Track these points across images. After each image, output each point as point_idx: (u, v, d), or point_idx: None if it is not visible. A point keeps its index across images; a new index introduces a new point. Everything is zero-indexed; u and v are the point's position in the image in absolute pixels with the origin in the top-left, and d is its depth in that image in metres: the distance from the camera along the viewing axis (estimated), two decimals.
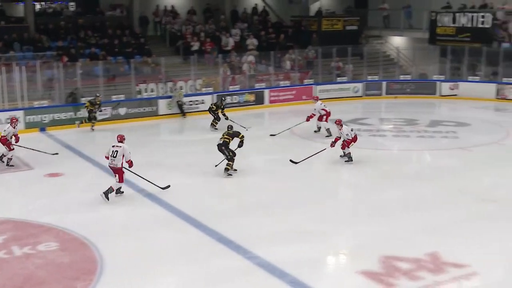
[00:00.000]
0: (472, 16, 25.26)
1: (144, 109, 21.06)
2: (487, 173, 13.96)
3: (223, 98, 20.12)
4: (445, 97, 25.02)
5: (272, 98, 23.68)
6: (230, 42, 26.52)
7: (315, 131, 17.84)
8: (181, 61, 24.51)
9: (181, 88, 22.13)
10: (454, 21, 25.89)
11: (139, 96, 21.58)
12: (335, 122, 14.81)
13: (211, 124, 19.19)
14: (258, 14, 30.18)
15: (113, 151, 11.95)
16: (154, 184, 12.41)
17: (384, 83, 25.49)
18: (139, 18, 27.27)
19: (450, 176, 13.65)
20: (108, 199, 11.74)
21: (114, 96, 20.75)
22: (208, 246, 9.68)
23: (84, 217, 11.08)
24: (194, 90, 22.81)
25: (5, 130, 14.73)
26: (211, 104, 19.97)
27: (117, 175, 11.95)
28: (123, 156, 11.88)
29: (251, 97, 23.22)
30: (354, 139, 14.53)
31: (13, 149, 14.67)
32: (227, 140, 13.66)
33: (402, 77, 26.08)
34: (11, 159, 14.72)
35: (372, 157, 15.21)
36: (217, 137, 14.15)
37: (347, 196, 12.80)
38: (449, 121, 20.01)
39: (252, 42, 26.68)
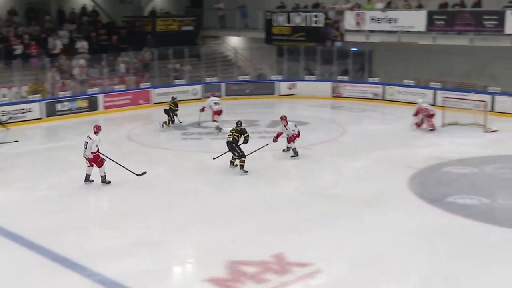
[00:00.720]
0: (306, 16, 26.52)
1: None
2: (326, 170, 14.72)
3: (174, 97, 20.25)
4: (284, 97, 26.02)
5: (107, 104, 23.14)
6: (57, 44, 25.50)
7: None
8: (3, 66, 23.15)
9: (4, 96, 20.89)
10: (288, 20, 27.00)
11: None
12: (280, 118, 15.60)
13: (165, 122, 19.42)
14: (88, 14, 29.34)
15: (85, 141, 12.96)
16: (131, 172, 13.30)
17: (223, 84, 25.95)
18: None
19: (292, 175, 14.21)
20: (109, 182, 13.07)
21: None
22: (42, 268, 9.22)
23: None
24: (19, 98, 21.63)
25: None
26: (170, 104, 19.91)
27: (93, 163, 12.95)
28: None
29: (84, 103, 22.51)
30: (298, 134, 15.53)
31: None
32: (237, 137, 14.07)
33: (240, 77, 26.75)
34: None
35: (213, 160, 15.40)
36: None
37: (190, 203, 12.82)
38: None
39: (82, 44, 25.87)
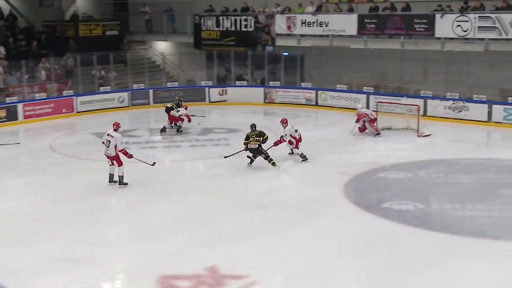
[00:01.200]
0: (235, 20, 26.62)
1: None
2: (261, 179, 14.76)
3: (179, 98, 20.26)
4: (215, 103, 25.99)
5: (27, 113, 22.46)
6: None
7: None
8: None
9: None
10: (218, 24, 27.04)
11: None
12: (281, 121, 16.10)
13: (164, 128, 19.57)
14: (4, 18, 28.48)
15: (106, 139, 13.44)
16: (144, 162, 14.29)
17: (151, 91, 25.67)
18: None
19: (225, 185, 14.17)
20: (126, 183, 13.66)
21: None
22: None
23: None
24: None
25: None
26: (173, 104, 20.07)
27: (114, 161, 13.50)
28: (115, 146, 13.35)
29: (2, 113, 21.79)
30: (300, 139, 16.20)
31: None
32: (259, 141, 15.21)
33: (169, 84, 26.55)
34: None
35: (143, 171, 15.20)
36: None
37: (118, 215, 12.61)
38: (220, 128, 20.83)
39: None
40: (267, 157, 15.26)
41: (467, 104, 21.38)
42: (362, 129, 19.24)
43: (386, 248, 10.22)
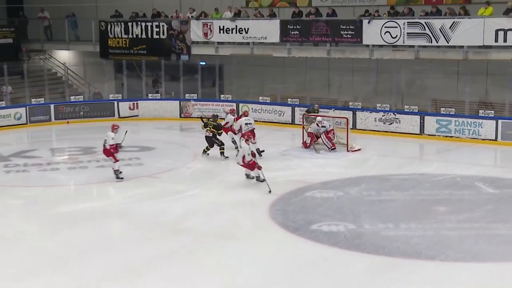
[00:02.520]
0: (146, 26, 26.50)
1: None
2: (176, 202, 14.68)
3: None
4: (125, 119, 25.68)
5: None
6: None
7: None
8: None
9: None
10: (126, 31, 26.85)
11: None
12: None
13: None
14: None
15: (104, 139, 16.18)
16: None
17: (52, 106, 25.16)
18: None
19: (136, 209, 14.00)
20: (122, 178, 16.27)
21: None
22: None
23: None
24: None
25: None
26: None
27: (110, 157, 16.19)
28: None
29: None
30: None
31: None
32: (214, 132, 18.46)
33: (73, 98, 26.09)
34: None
35: (43, 197, 14.87)
36: None
37: (10, 247, 12.17)
38: (132, 146, 20.58)
39: None
40: (222, 145, 18.42)
41: (398, 115, 22.01)
42: (308, 145, 19.49)
43: (316, 274, 10.34)
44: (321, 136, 19.39)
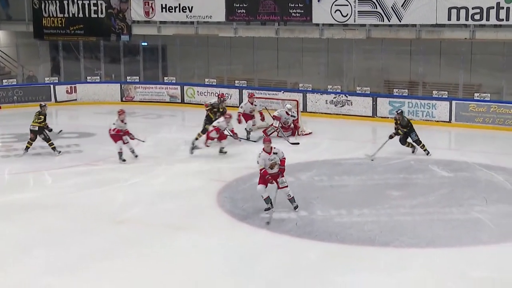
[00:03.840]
0: (83, 4, 26.12)
1: None
2: (118, 190, 14.55)
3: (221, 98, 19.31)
4: (62, 103, 25.35)
5: None
6: None
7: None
8: None
9: None
10: (62, 10, 26.44)
11: None
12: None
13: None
14: None
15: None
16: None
17: None
18: None
19: (75, 199, 13.82)
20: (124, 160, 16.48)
21: None
22: None
23: None
24: None
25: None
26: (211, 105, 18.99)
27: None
28: None
29: None
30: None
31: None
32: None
33: (5, 81, 25.58)
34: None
35: None
36: None
37: None
38: (70, 132, 20.32)
39: None
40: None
41: (350, 97, 22.24)
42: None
43: (267, 263, 10.39)
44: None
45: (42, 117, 17.45)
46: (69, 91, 25.76)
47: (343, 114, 22.14)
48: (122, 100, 25.67)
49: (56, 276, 9.93)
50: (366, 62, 23.93)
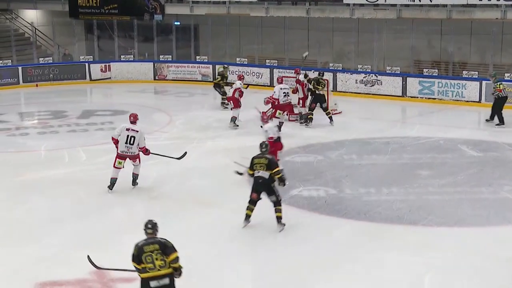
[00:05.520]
0: None
1: None
2: (151, 167, 14.53)
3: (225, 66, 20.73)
4: (96, 82, 25.48)
5: None
6: None
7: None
8: None
9: None
10: None
11: None
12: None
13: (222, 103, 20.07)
14: None
15: (128, 136, 12.24)
16: (171, 157, 13.26)
17: (20, 69, 24.84)
18: None
19: (109, 176, 13.85)
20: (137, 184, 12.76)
21: None
22: None
23: None
24: None
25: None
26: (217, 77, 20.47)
27: (137, 159, 12.54)
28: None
29: None
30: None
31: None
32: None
33: (42, 60, 25.72)
34: None
35: (12, 163, 14.69)
36: None
37: None
38: (104, 110, 20.44)
39: None
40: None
41: (379, 77, 22.02)
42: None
43: (296, 240, 10.36)
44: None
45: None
46: (104, 69, 25.85)
47: (372, 94, 21.95)
48: (155, 79, 25.71)
49: (86, 249, 9.97)
50: (396, 42, 23.64)
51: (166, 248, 7.53)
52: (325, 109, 18.03)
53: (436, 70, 21.67)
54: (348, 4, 22.36)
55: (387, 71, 22.17)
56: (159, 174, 14.00)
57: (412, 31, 22.49)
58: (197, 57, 25.74)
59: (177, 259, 7.51)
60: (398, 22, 22.33)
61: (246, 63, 24.51)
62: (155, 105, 21.98)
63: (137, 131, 12.43)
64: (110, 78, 25.81)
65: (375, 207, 11.72)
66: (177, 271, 7.54)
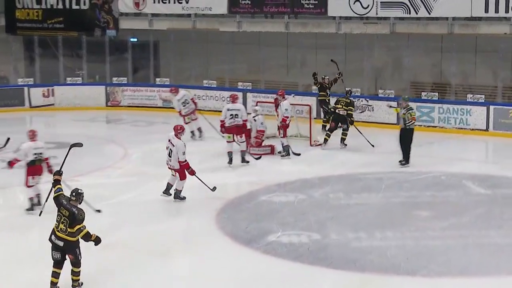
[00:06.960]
0: None
1: None
2: (103, 210, 14.52)
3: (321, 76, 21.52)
4: (38, 109, 25.38)
5: None
6: None
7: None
8: None
9: None
10: (39, 1, 26.47)
11: None
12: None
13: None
14: None
15: (168, 148, 14.23)
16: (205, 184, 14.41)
17: None
18: None
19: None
20: (170, 194, 14.48)
21: None
22: None
23: None
24: None
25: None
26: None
27: (177, 173, 14.21)
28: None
29: None
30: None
31: None
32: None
33: None
34: None
35: None
36: None
37: None
38: (48, 142, 20.29)
39: None
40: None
41: (371, 102, 22.16)
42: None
43: None
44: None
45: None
46: (46, 94, 25.79)
47: (362, 121, 22.04)
48: (107, 105, 25.70)
49: None
50: (390, 61, 23.89)
51: (74, 221, 9.97)
52: (345, 130, 19.19)
53: (437, 94, 21.88)
54: (333, 17, 22.58)
55: (379, 95, 22.34)
56: (112, 218, 13.94)
57: (408, 48, 22.74)
58: (157, 79, 25.80)
59: (78, 230, 9.97)
60: (391, 38, 22.58)
61: (215, 86, 24.60)
62: (107, 136, 21.93)
63: (174, 145, 14.16)
64: (53, 104, 25.75)
65: (366, 255, 11.73)
66: (85, 239, 10.13)
